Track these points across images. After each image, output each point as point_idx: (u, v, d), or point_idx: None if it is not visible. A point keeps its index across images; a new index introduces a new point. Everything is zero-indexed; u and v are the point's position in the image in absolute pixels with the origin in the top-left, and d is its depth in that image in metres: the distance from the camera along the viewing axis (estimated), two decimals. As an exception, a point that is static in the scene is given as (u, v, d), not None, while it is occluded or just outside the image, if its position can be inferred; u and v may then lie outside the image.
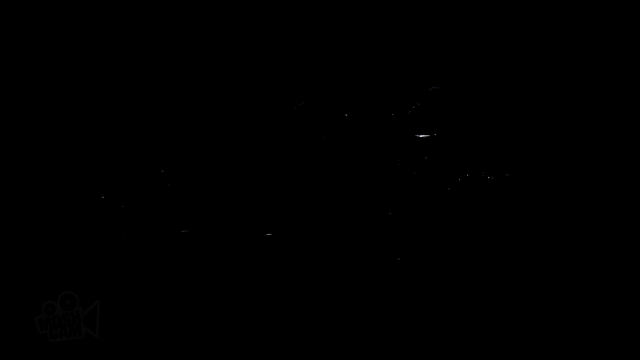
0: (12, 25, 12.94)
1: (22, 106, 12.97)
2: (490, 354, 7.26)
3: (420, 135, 11.61)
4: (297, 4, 13.27)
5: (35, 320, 7.09)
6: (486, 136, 11.65)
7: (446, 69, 12.70)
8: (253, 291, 7.49)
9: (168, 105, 13.23)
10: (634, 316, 7.66)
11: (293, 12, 13.28)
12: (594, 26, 12.27)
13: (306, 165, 12.21)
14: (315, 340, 7.23)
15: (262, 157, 12.97)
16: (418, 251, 10.13)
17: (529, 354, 7.27)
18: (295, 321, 7.31)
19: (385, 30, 12.97)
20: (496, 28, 12.72)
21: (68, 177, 11.75)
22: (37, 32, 13.04)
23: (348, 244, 9.09)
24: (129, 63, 13.27)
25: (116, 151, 12.05)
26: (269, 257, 8.33)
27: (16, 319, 7.13)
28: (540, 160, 12.26)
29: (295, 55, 13.23)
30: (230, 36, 13.31)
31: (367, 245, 9.77)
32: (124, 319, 7.18)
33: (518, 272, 8.85)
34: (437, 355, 7.26)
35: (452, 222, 11.01)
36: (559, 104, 12.40)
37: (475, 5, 12.87)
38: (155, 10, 13.37)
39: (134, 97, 13.25)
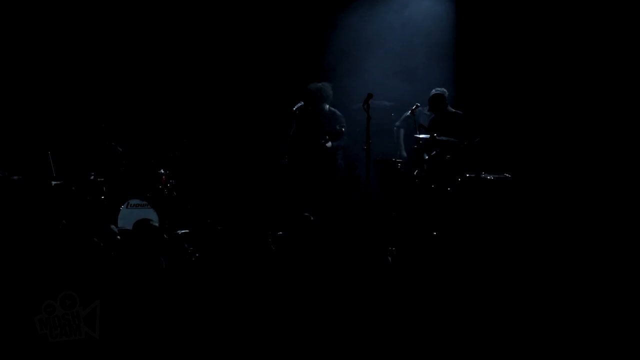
0: (12, 25, 12.92)
1: (23, 107, 12.95)
2: (490, 353, 7.26)
3: (420, 135, 11.60)
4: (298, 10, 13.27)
5: (35, 320, 7.08)
6: (487, 137, 11.62)
7: (447, 70, 12.68)
8: (252, 292, 7.48)
9: (167, 107, 13.21)
10: (634, 316, 7.65)
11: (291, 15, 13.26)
12: (594, 26, 12.26)
13: (306, 166, 12.18)
14: (315, 340, 7.22)
15: (262, 158, 12.94)
16: (418, 250, 10.11)
17: (529, 354, 7.26)
18: (295, 321, 7.30)
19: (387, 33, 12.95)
20: (496, 29, 12.70)
21: (68, 178, 11.73)
22: (38, 32, 13.02)
23: (350, 244, 9.07)
24: (130, 65, 13.26)
25: (116, 153, 12.04)
26: (268, 257, 8.32)
27: (16, 319, 7.11)
28: (541, 160, 12.25)
29: (294, 58, 13.22)
30: (230, 39, 13.29)
31: (370, 245, 9.75)
32: (124, 319, 7.17)
33: (518, 271, 8.84)
34: (437, 355, 7.25)
35: (452, 222, 11.00)
36: (559, 104, 12.38)
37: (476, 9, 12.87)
38: (157, 12, 13.36)
39: (134, 99, 13.23)
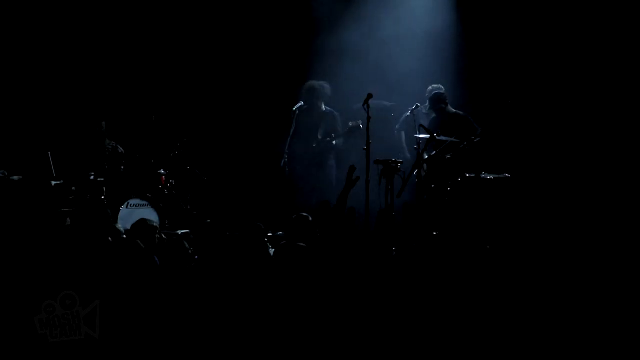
0: (12, 25, 12.92)
1: (23, 107, 12.95)
2: (489, 352, 7.26)
3: (420, 135, 11.59)
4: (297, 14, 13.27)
5: (35, 320, 7.08)
6: (487, 137, 11.62)
7: (447, 70, 12.68)
8: (250, 292, 7.48)
9: (167, 107, 13.21)
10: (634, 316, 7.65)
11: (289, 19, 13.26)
12: (595, 26, 12.26)
13: (303, 166, 12.18)
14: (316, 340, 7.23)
15: (264, 158, 12.94)
16: (418, 250, 10.11)
17: (529, 353, 7.26)
18: (293, 320, 7.30)
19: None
20: (496, 29, 12.70)
21: (68, 178, 11.73)
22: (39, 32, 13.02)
23: (349, 244, 9.07)
24: (129, 65, 13.26)
25: (116, 153, 12.04)
26: (267, 257, 8.32)
27: (16, 319, 7.12)
28: (541, 160, 12.24)
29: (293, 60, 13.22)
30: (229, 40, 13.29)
31: (370, 245, 9.75)
32: (124, 319, 7.17)
33: (518, 271, 8.84)
34: (438, 354, 7.25)
35: (452, 222, 11.00)
36: (559, 104, 12.38)
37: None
38: (156, 12, 13.36)
39: (134, 99, 13.23)
